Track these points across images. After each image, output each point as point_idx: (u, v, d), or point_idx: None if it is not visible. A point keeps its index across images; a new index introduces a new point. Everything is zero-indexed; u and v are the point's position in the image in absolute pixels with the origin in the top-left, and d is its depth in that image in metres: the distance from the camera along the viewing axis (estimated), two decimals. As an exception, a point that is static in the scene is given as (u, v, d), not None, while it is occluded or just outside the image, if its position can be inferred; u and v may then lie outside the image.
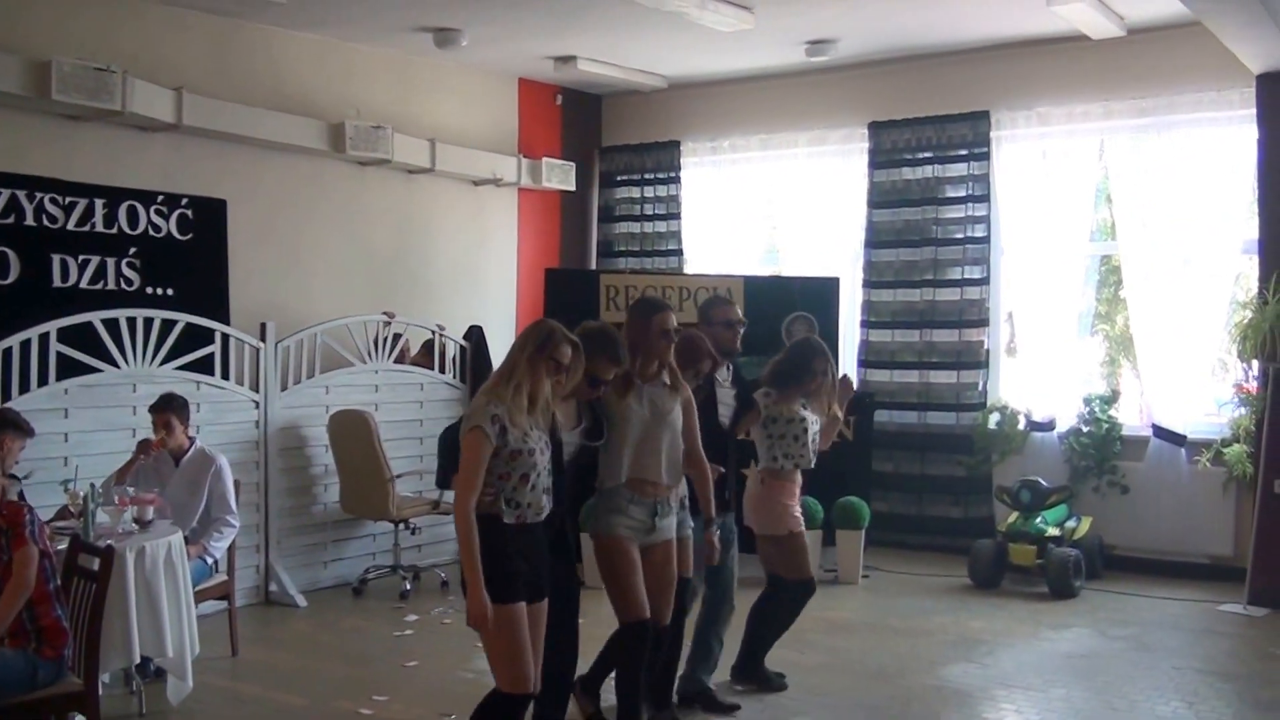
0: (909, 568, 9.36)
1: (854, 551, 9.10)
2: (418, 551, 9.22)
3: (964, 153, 10.21)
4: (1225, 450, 8.91)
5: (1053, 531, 8.87)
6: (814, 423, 6.30)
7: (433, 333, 9.70)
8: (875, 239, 10.57)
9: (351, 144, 9.46)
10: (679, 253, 11.69)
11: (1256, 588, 8.30)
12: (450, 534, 9.42)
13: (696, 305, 9.62)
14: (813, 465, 6.34)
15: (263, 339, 8.40)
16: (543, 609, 4.53)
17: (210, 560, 6.81)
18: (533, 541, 4.43)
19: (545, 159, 11.32)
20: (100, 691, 5.02)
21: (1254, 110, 8.66)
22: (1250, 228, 9.02)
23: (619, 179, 12.07)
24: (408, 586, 8.61)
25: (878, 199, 10.58)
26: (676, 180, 11.71)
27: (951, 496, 9.99)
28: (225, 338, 8.21)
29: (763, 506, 6.24)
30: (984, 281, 10.13)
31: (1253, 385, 8.79)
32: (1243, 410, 8.90)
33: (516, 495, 4.36)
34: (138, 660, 5.76)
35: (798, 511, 6.28)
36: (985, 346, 10.12)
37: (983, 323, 10.09)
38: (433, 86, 10.57)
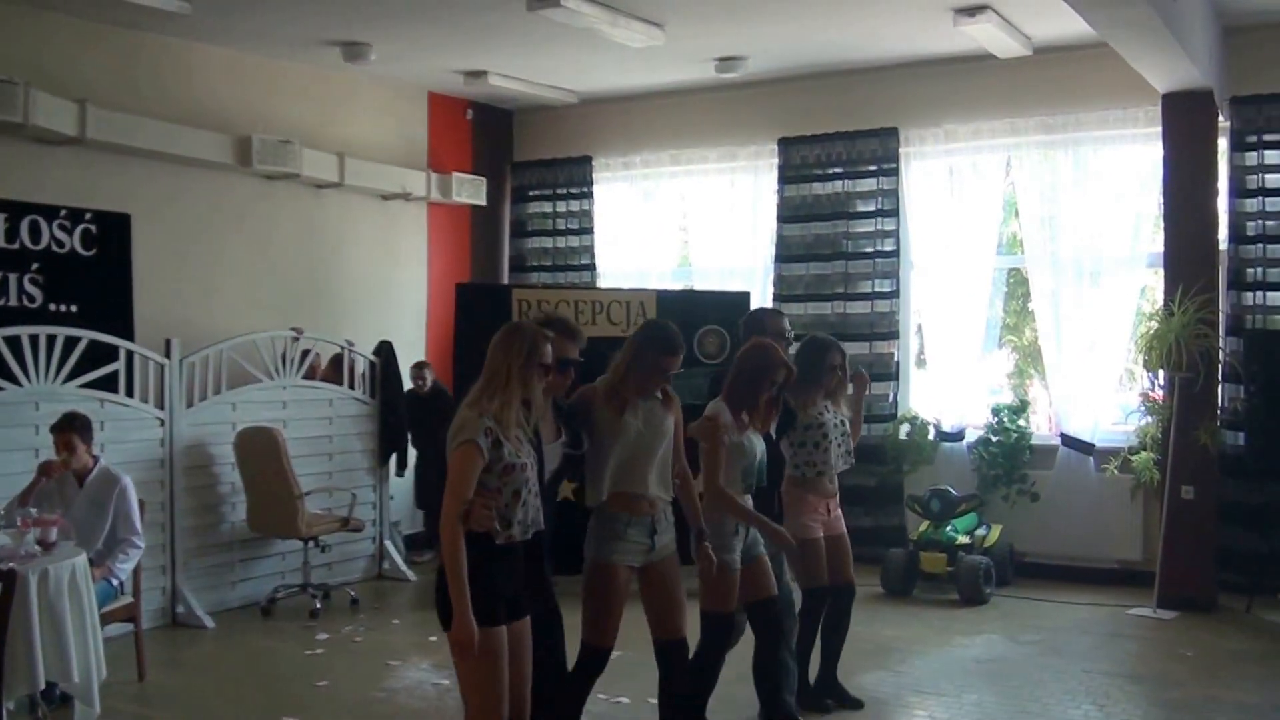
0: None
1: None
2: (328, 570, 9.13)
3: (873, 168, 10.40)
4: (1133, 458, 9.19)
5: (963, 540, 9.05)
6: (836, 426, 6.17)
7: (341, 349, 9.64)
8: (786, 253, 10.72)
9: (259, 158, 9.38)
10: (592, 267, 11.74)
11: (1165, 591, 8.55)
12: (361, 551, 9.45)
13: (610, 319, 9.75)
14: (847, 466, 6.27)
15: (168, 356, 8.28)
16: (524, 627, 4.33)
17: (115, 582, 6.69)
18: (514, 560, 4.23)
19: (455, 174, 11.32)
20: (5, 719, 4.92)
21: (1159, 128, 8.93)
22: (1155, 242, 9.31)
23: (531, 194, 12.09)
24: (318, 605, 8.52)
25: (788, 214, 10.72)
26: (589, 195, 11.77)
27: (863, 506, 10.13)
28: (130, 355, 8.08)
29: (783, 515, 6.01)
30: (894, 295, 10.32)
31: (1159, 394, 9.06)
32: (1149, 419, 9.17)
33: (509, 513, 4.14)
34: (43, 686, 5.63)
35: (814, 519, 6.12)
36: (895, 358, 10.31)
37: (893, 335, 10.28)
38: (341, 101, 10.53)
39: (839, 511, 6.34)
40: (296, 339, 9.27)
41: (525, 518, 4.19)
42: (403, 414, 9.81)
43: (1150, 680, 6.96)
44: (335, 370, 9.67)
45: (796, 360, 5.89)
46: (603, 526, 4.95)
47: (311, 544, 8.67)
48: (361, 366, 9.79)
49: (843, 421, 6.26)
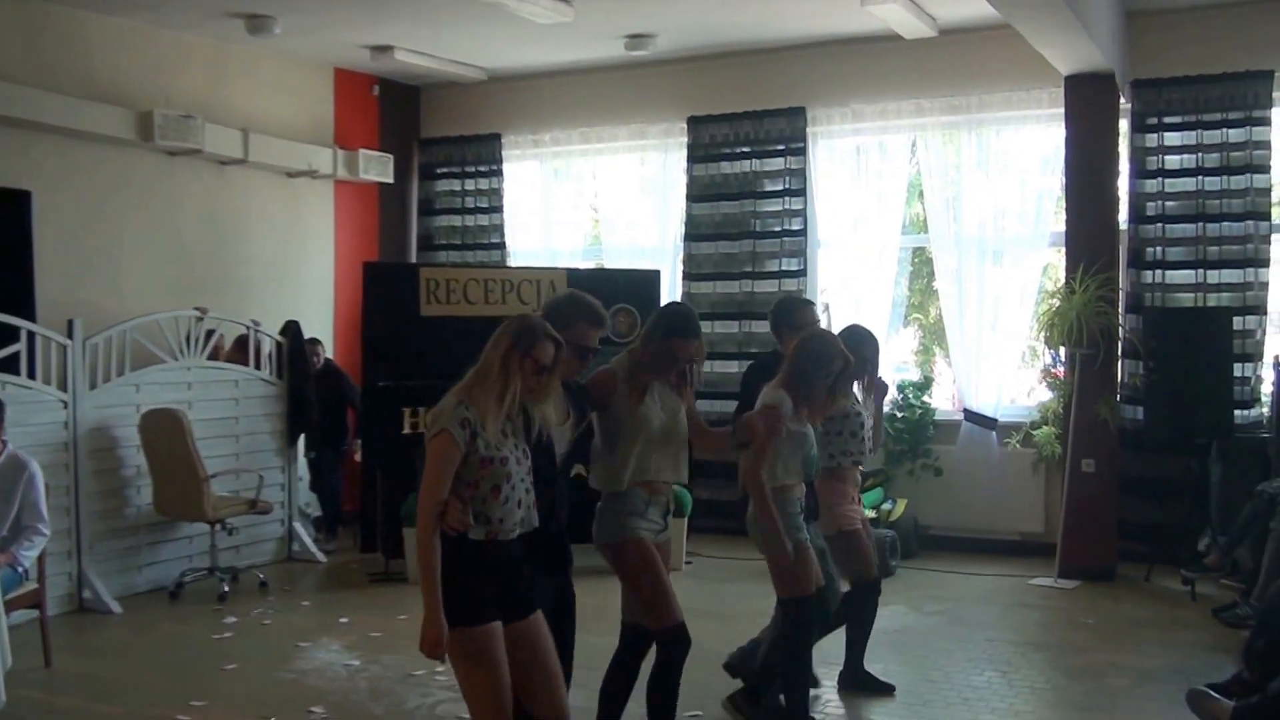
0: (731, 553, 9.55)
1: (677, 540, 9.29)
2: (235, 553, 9.06)
3: (781, 148, 10.53)
4: (1034, 432, 9.47)
5: (869, 514, 9.23)
6: (868, 416, 6.16)
7: (247, 328, 9.56)
8: (695, 232, 10.82)
9: (160, 133, 9.25)
10: (501, 246, 11.74)
11: (1066, 561, 8.83)
12: (270, 534, 9.40)
13: (520, 299, 9.77)
14: (870, 455, 6.25)
15: (70, 337, 8.12)
16: (534, 624, 4.05)
17: (20, 569, 6.59)
18: (503, 559, 3.96)
19: (362, 151, 11.24)
20: (-95, 706, 4.86)
21: (1061, 110, 9.14)
22: (1057, 221, 9.57)
23: (439, 172, 12.05)
24: (226, 588, 8.46)
25: (697, 192, 10.82)
26: (498, 173, 11.76)
27: (773, 484, 10.28)
28: (31, 335, 7.92)
29: (819, 506, 5.93)
30: (801, 274, 10.47)
31: (1060, 370, 9.33)
32: (1050, 394, 9.45)
33: (486, 509, 3.90)
34: (-56, 674, 5.57)
35: (852, 510, 6.09)
36: (803, 337, 10.45)
37: (801, 314, 10.42)
38: (245, 75, 10.40)
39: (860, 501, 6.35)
40: (200, 319, 9.17)
41: (509, 515, 3.94)
42: (310, 394, 9.75)
43: (1052, 648, 7.19)
44: (240, 351, 9.59)
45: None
46: (623, 504, 4.78)
47: (218, 527, 8.59)
48: (268, 347, 9.72)
49: (869, 416, 6.20)
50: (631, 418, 4.74)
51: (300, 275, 11.00)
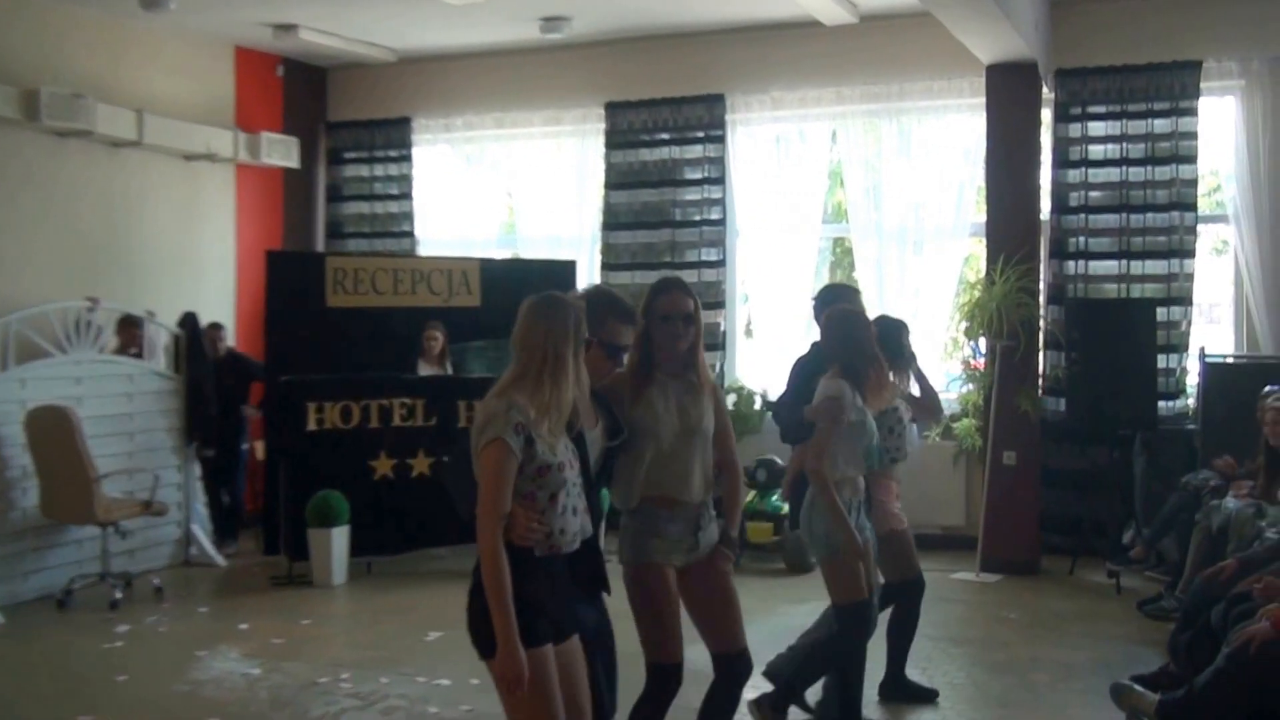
0: (650, 553, 9.52)
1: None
2: (129, 557, 8.78)
3: (700, 135, 10.49)
4: (955, 425, 9.51)
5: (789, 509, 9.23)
6: (906, 411, 6.05)
7: (140, 320, 9.30)
8: (613, 221, 10.74)
9: (48, 113, 8.97)
10: (411, 234, 11.58)
11: (988, 555, 8.90)
12: (165, 537, 9.16)
13: (430, 289, 9.64)
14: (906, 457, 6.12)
15: (-51, 328, 7.88)
16: (573, 648, 3.82)
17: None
18: (557, 573, 3.76)
19: (265, 134, 11.02)
20: None
21: (983, 99, 9.19)
22: (979, 211, 9.62)
23: (347, 156, 11.86)
24: (118, 595, 8.20)
25: (615, 180, 10.74)
26: (408, 159, 11.59)
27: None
28: (-93, 327, 7.66)
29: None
30: (720, 264, 10.44)
31: (980, 362, 9.38)
32: (971, 386, 9.50)
33: (547, 520, 3.67)
34: None
35: (897, 508, 5.99)
36: (722, 328, 10.43)
37: (719, 305, 10.40)
38: (140, 53, 10.12)
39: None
40: (92, 309, 8.91)
41: (567, 525, 3.73)
42: (209, 390, 9.52)
43: (974, 643, 7.21)
44: (135, 343, 9.34)
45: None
46: (637, 522, 4.40)
47: (111, 530, 8.33)
48: (164, 339, 9.47)
49: (907, 411, 6.13)
50: (640, 422, 4.35)
51: (199, 264, 10.75)
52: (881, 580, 5.77)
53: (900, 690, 6.17)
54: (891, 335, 5.84)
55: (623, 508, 4.46)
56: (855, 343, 5.21)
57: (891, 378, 5.76)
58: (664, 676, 4.37)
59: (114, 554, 8.47)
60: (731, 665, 4.49)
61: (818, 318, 5.69)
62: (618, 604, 4.27)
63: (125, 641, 7.38)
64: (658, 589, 4.34)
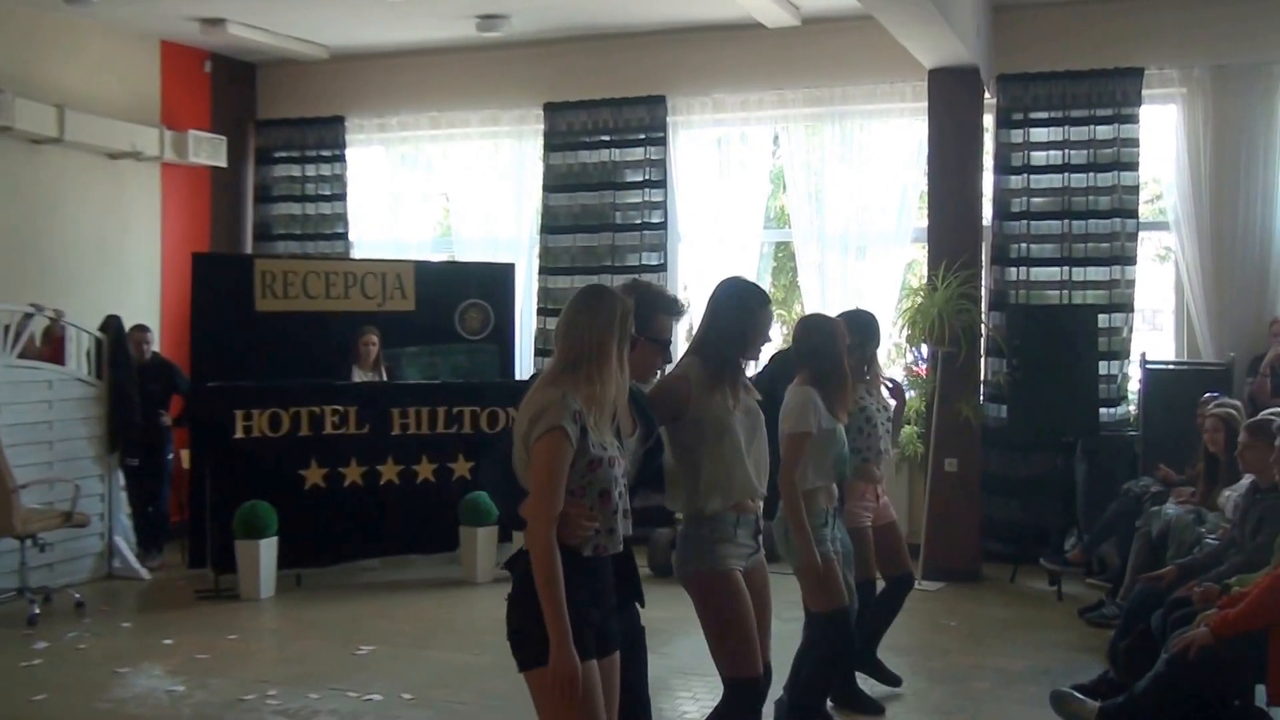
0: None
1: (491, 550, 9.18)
2: (49, 571, 8.64)
3: (641, 137, 10.52)
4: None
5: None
6: (879, 411, 6.05)
7: (60, 323, 9.16)
8: (552, 224, 10.73)
9: (-37, 109, 8.86)
10: (344, 236, 11.51)
11: (930, 563, 8.98)
12: (87, 549, 9.03)
13: (364, 293, 9.61)
14: (890, 452, 6.22)
15: None
16: (615, 664, 3.72)
17: None
18: (604, 579, 3.67)
19: (192, 132, 10.91)
20: None
21: (925, 103, 9.30)
22: (921, 217, 9.72)
23: (277, 155, 11.76)
24: (36, 610, 8.05)
25: (554, 183, 10.74)
26: (341, 158, 11.52)
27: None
28: None
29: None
30: (662, 268, 10.47)
31: (922, 368, 9.47)
32: (913, 393, 9.59)
33: (596, 518, 3.59)
34: None
35: (865, 508, 6.03)
36: (663, 334, 10.44)
37: (661, 310, 10.39)
38: (61, 47, 10.00)
39: (888, 499, 6.31)
40: (31, 316, 8.78)
41: (616, 525, 3.62)
42: (133, 396, 9.42)
43: (915, 651, 7.25)
44: (54, 348, 9.21)
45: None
46: (709, 529, 4.33)
47: (29, 542, 8.19)
48: (86, 344, 9.35)
49: (886, 408, 6.16)
50: (716, 419, 4.32)
51: (123, 266, 10.63)
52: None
53: (867, 667, 6.35)
54: (862, 329, 5.89)
55: (690, 512, 4.38)
56: (826, 352, 5.25)
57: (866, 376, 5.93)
58: (744, 691, 4.32)
59: (32, 567, 8.31)
60: (746, 693, 4.38)
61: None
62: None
63: (44, 659, 7.25)
64: (734, 598, 4.29)
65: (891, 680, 6.44)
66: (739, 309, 4.50)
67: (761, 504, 4.50)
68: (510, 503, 3.65)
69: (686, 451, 4.33)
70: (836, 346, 5.27)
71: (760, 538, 4.50)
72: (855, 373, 5.69)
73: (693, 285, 10.58)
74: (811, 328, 5.38)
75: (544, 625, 3.44)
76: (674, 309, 4.27)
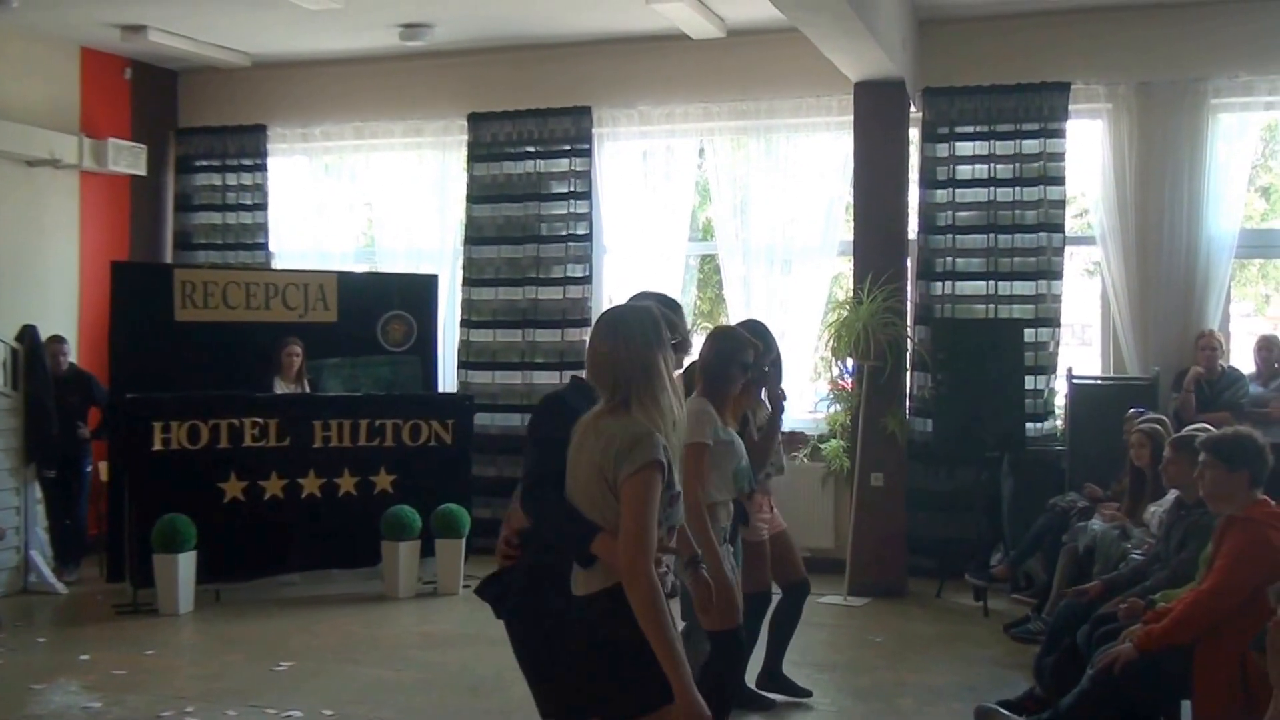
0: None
1: (454, 561, 9.05)
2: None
3: (566, 148, 10.43)
4: (823, 446, 9.57)
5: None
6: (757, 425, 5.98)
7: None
8: (476, 235, 10.62)
9: None
10: (265, 246, 11.33)
11: (856, 578, 8.94)
12: (2, 563, 8.84)
13: (285, 303, 9.46)
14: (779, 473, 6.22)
15: None
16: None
17: None
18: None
19: (112, 139, 10.71)
20: None
21: (851, 117, 9.29)
22: (847, 230, 9.70)
23: (198, 164, 11.56)
24: (-51, 626, 7.90)
25: (478, 193, 10.63)
26: (263, 168, 11.34)
27: (556, 500, 10.17)
28: None
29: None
30: (587, 280, 10.39)
31: (848, 382, 9.46)
32: (838, 406, 9.57)
33: (664, 556, 3.42)
34: None
35: (763, 520, 6.06)
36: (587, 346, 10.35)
37: (586, 323, 10.30)
38: (-24, 52, 9.77)
39: (776, 510, 6.33)
40: None
41: (673, 564, 3.54)
42: (50, 407, 9.18)
43: (840, 668, 7.24)
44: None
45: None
46: None
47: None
48: (1, 354, 9.10)
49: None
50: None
51: (40, 275, 10.39)
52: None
53: (775, 684, 6.36)
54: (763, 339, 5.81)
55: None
56: (715, 363, 5.24)
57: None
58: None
59: (-57, 583, 8.11)
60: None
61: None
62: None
63: (-44, 677, 7.05)
64: None
65: (801, 693, 6.44)
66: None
67: None
68: (582, 540, 3.42)
69: None
70: (723, 358, 5.24)
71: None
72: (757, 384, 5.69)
73: (617, 297, 10.52)
74: (708, 338, 5.38)
75: (649, 667, 3.24)
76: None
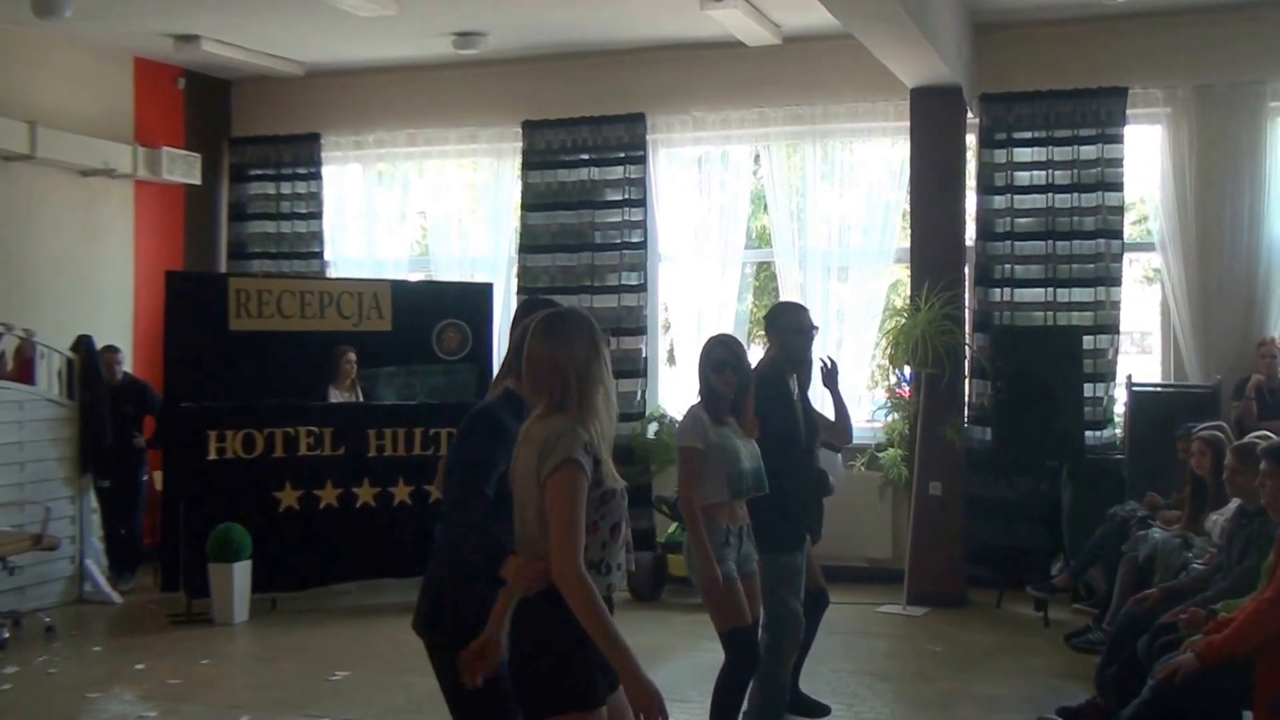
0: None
1: (510, 572, 9.19)
2: (18, 594, 8.60)
3: (621, 155, 10.52)
4: (880, 455, 9.63)
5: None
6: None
7: (32, 343, 9.13)
8: (531, 243, 10.73)
9: (-68, 125, 8.83)
10: (320, 255, 11.49)
11: (914, 588, 9.00)
12: (58, 573, 9.00)
13: (340, 312, 9.61)
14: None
15: None
16: (623, 700, 3.53)
17: None
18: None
19: (166, 149, 10.89)
20: None
21: (907, 123, 9.36)
22: (904, 237, 9.76)
23: (252, 173, 11.73)
24: (5, 635, 8.04)
25: (533, 201, 10.74)
26: (317, 176, 11.51)
27: (610, 509, 10.26)
28: None
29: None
30: (641, 288, 10.47)
31: (906, 391, 9.49)
32: (896, 415, 9.61)
33: (608, 555, 3.51)
34: None
35: None
36: (643, 355, 10.46)
37: (641, 331, 10.42)
38: (32, 62, 9.98)
39: None
40: (1, 335, 8.76)
41: (624, 562, 3.59)
42: (105, 417, 9.38)
43: (899, 677, 7.30)
44: (24, 368, 9.18)
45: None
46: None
47: (-2, 565, 8.20)
48: (57, 364, 9.31)
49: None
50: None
51: (95, 285, 10.59)
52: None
53: (793, 704, 6.32)
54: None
55: None
56: (702, 372, 5.43)
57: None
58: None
59: (2, 591, 8.28)
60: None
61: (770, 336, 5.92)
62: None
63: (13, 684, 7.23)
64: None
65: (820, 711, 6.43)
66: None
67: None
68: (493, 563, 3.56)
69: None
70: (704, 368, 5.45)
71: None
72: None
73: (673, 305, 10.62)
74: (704, 358, 5.53)
75: (564, 671, 3.39)
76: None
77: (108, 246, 10.76)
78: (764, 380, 5.71)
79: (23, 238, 9.93)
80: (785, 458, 5.63)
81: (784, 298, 10.29)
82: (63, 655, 7.85)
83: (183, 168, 11.03)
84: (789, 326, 5.98)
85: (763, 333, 11.66)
